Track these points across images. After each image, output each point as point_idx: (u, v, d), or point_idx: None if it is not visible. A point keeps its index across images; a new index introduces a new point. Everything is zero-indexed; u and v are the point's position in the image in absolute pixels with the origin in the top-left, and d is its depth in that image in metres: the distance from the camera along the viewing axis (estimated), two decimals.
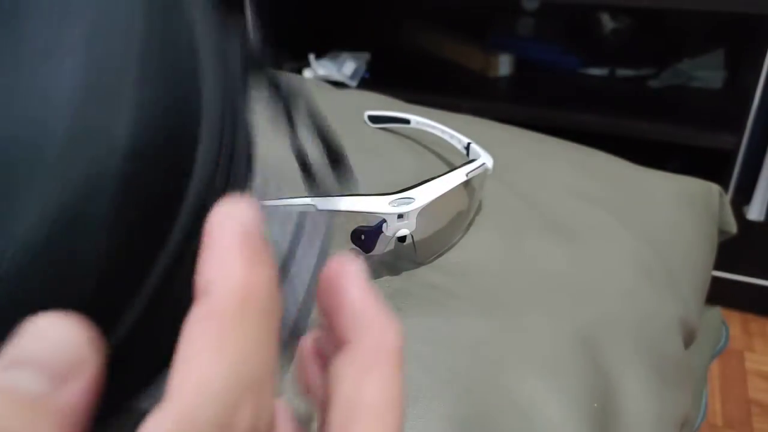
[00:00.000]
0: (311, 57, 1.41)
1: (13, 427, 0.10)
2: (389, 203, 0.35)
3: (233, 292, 0.11)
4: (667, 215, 0.53)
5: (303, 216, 0.18)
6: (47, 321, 0.12)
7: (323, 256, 0.18)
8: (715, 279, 0.59)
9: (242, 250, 0.12)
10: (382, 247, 0.36)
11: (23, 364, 0.11)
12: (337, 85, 1.09)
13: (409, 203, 0.35)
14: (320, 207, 0.32)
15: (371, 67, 1.44)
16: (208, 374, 0.11)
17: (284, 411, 0.15)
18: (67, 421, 0.11)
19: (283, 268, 0.18)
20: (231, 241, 0.12)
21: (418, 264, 0.39)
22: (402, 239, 0.38)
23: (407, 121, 0.56)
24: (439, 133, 0.53)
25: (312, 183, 0.20)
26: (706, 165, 1.13)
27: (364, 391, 0.13)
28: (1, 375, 0.11)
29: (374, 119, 0.59)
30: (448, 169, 0.40)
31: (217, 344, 0.11)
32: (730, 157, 1.10)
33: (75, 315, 0.12)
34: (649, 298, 0.41)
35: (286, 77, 0.18)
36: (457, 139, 0.50)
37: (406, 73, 1.43)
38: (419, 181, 0.37)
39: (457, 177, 0.38)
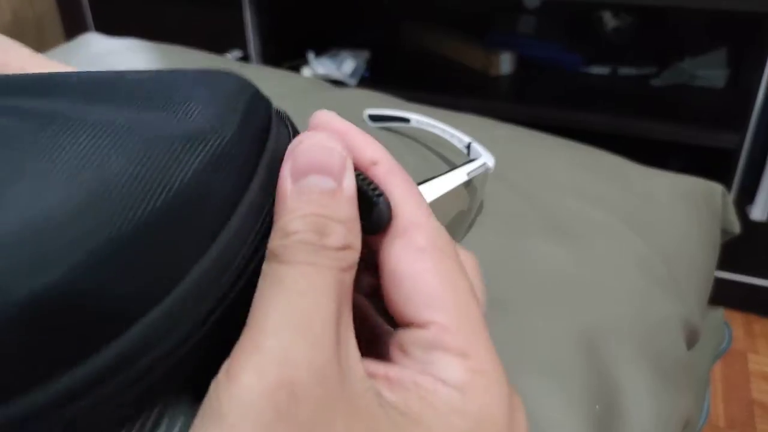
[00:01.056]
0: (310, 55, 1.40)
1: (330, 213, 0.16)
2: None
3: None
4: (670, 215, 0.53)
5: None
6: (314, 134, 0.17)
7: None
8: (717, 279, 0.59)
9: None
10: None
11: (312, 171, 0.16)
12: (337, 83, 1.09)
13: None
14: None
15: (371, 65, 1.44)
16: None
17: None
18: (353, 201, 0.16)
19: None
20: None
21: None
22: None
23: (407, 120, 0.56)
24: (439, 132, 0.52)
25: None
26: (709, 164, 1.12)
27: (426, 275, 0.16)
28: (301, 181, 0.16)
29: (374, 118, 0.59)
30: (448, 169, 0.39)
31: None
32: (733, 156, 1.10)
33: None
34: (652, 299, 0.40)
35: None
36: (458, 138, 0.49)
37: (407, 71, 1.42)
38: (419, 181, 0.37)
39: (458, 176, 0.38)
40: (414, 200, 0.17)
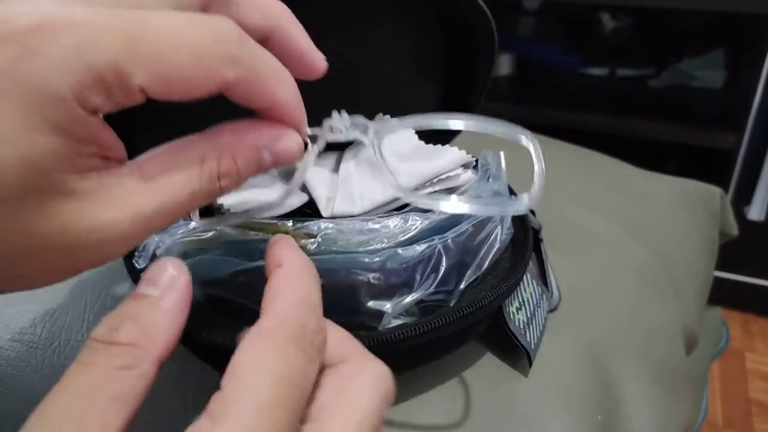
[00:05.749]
0: None
1: (136, 313, 0.17)
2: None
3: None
4: (668, 220, 0.53)
5: None
6: (162, 260, 0.18)
7: None
8: (715, 279, 0.59)
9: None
10: None
11: (147, 282, 0.18)
12: None
13: None
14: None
15: None
16: (289, 298, 0.18)
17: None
18: (170, 313, 0.17)
19: None
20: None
21: None
22: None
23: None
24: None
25: None
26: (707, 165, 1.13)
27: (245, 358, 0.17)
28: (140, 288, 0.18)
29: None
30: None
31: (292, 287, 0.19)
32: (730, 156, 1.10)
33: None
34: (652, 306, 0.41)
35: None
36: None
37: None
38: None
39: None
40: (291, 300, 0.18)
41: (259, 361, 0.16)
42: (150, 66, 0.16)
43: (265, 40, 0.21)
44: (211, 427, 0.15)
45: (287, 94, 0.20)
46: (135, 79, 0.16)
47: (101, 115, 0.17)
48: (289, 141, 0.20)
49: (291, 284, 0.19)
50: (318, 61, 0.23)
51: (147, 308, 0.17)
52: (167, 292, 0.18)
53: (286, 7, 0.22)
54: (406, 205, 0.33)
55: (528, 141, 0.22)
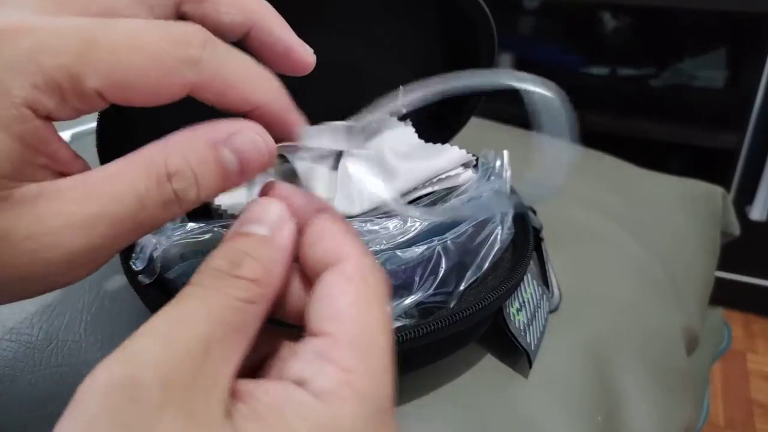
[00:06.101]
0: None
1: (252, 251, 0.17)
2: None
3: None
4: (670, 220, 0.53)
5: None
6: (265, 201, 0.19)
7: None
8: (716, 279, 0.59)
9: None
10: None
11: (254, 221, 0.18)
12: None
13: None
14: None
15: None
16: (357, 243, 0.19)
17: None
18: (282, 251, 0.18)
19: None
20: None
21: None
22: None
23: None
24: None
25: None
26: (708, 164, 1.12)
27: (342, 297, 0.17)
28: (242, 227, 0.18)
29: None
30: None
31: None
32: (732, 156, 1.10)
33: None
34: (653, 307, 0.40)
35: None
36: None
37: None
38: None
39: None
40: (351, 240, 0.18)
41: (359, 303, 0.17)
42: (104, 68, 0.16)
43: (245, 37, 0.21)
44: (334, 369, 0.15)
45: (265, 94, 0.19)
46: (89, 82, 0.16)
47: (53, 125, 0.17)
48: (251, 134, 0.18)
49: (349, 235, 0.19)
50: (305, 56, 0.22)
51: (263, 247, 0.17)
52: (277, 231, 0.18)
53: (264, 2, 0.21)
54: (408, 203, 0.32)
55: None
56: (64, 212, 0.16)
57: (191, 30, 0.18)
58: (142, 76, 0.16)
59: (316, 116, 0.37)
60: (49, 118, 0.16)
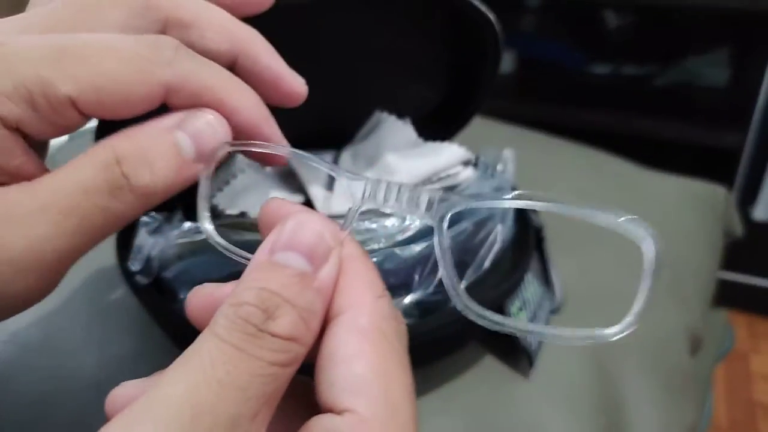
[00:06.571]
0: None
1: (289, 295, 0.14)
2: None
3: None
4: (672, 219, 0.53)
5: None
6: (306, 215, 0.16)
7: None
8: (720, 280, 0.59)
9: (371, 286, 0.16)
10: None
11: (292, 248, 0.15)
12: None
13: None
14: None
15: None
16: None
17: None
18: (323, 294, 0.15)
19: None
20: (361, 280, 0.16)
21: None
22: None
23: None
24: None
25: None
26: (711, 164, 1.12)
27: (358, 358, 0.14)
28: (277, 255, 0.15)
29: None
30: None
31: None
32: (735, 155, 1.09)
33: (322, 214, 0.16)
34: (656, 308, 0.40)
35: None
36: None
37: None
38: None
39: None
40: (366, 280, 0.16)
41: (379, 369, 0.14)
42: (77, 72, 0.15)
43: (232, 66, 0.20)
44: None
45: (242, 100, 0.18)
46: (61, 88, 0.15)
47: (21, 139, 0.16)
48: (207, 117, 0.17)
49: (363, 271, 0.16)
50: (296, 85, 0.20)
51: (303, 288, 0.14)
52: (320, 265, 0.15)
53: (253, 30, 0.20)
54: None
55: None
56: (2, 213, 0.15)
57: (164, 37, 0.17)
58: (115, 78, 0.16)
59: (318, 123, 0.37)
60: (20, 131, 0.16)
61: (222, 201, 0.32)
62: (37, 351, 0.32)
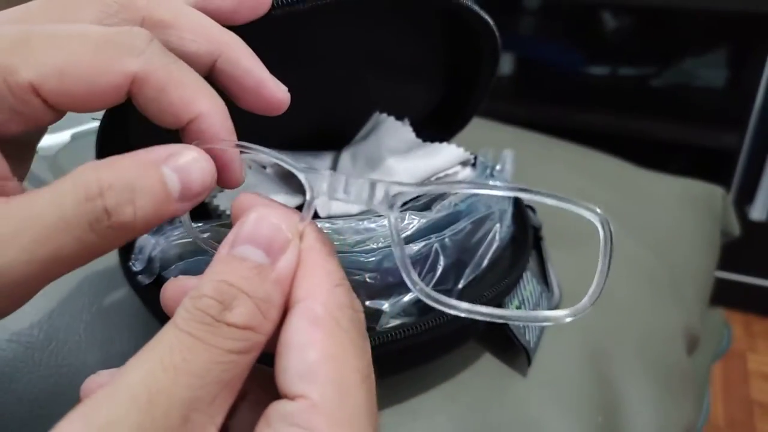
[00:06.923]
0: None
1: (247, 286, 0.15)
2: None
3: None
4: (670, 219, 0.53)
5: None
6: (266, 209, 0.16)
7: None
8: (717, 279, 0.59)
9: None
10: None
11: (251, 241, 0.15)
12: None
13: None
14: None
15: None
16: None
17: None
18: (281, 285, 0.15)
19: None
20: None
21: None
22: None
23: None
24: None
25: None
26: (709, 164, 1.12)
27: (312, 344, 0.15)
28: (236, 248, 0.15)
29: None
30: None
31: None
32: (732, 156, 1.10)
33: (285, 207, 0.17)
34: (653, 307, 0.40)
35: None
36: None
37: None
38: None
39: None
40: (324, 270, 0.16)
41: (331, 356, 0.15)
42: (39, 57, 0.15)
43: (212, 71, 0.19)
44: None
45: (208, 101, 0.18)
46: (22, 73, 0.15)
47: None
48: (194, 154, 0.17)
49: (321, 261, 0.16)
50: (278, 92, 0.19)
51: (259, 280, 0.15)
52: (277, 257, 0.15)
53: (233, 34, 0.19)
54: (406, 202, 0.32)
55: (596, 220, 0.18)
56: None
57: (138, 29, 0.17)
58: (79, 63, 0.15)
59: (318, 124, 0.37)
60: None
61: (222, 201, 0.32)
62: (39, 350, 0.33)
